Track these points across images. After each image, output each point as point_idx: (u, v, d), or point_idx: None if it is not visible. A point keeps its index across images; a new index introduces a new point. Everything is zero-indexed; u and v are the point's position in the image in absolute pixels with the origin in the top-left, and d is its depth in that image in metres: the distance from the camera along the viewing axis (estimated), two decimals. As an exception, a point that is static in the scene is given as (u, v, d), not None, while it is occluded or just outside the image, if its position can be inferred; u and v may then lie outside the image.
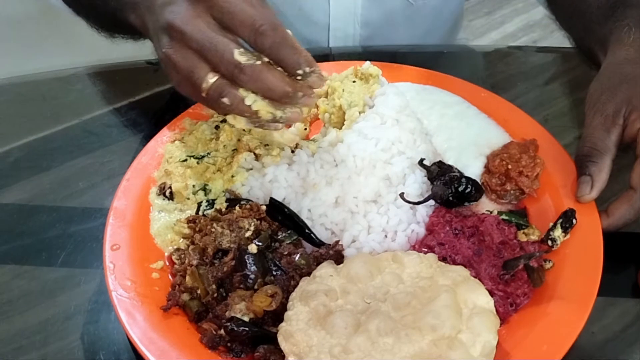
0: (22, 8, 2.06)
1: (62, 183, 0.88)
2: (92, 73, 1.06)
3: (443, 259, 0.71)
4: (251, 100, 0.65)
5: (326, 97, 0.86)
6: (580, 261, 0.69)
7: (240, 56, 0.64)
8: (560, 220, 0.71)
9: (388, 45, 1.11)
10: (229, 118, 0.70)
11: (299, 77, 0.64)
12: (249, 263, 0.67)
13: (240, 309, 0.65)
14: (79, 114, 0.99)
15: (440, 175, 0.77)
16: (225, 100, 0.65)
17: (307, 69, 0.64)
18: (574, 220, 0.71)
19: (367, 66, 0.86)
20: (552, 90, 0.99)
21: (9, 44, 2.08)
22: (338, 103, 0.83)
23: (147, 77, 1.02)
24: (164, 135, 0.85)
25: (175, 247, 0.73)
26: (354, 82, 0.85)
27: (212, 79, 0.66)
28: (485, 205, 0.78)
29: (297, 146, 0.80)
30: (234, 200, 0.76)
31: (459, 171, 0.78)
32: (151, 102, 1.00)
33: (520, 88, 0.98)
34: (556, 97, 0.98)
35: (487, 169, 0.80)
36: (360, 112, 0.82)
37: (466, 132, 0.84)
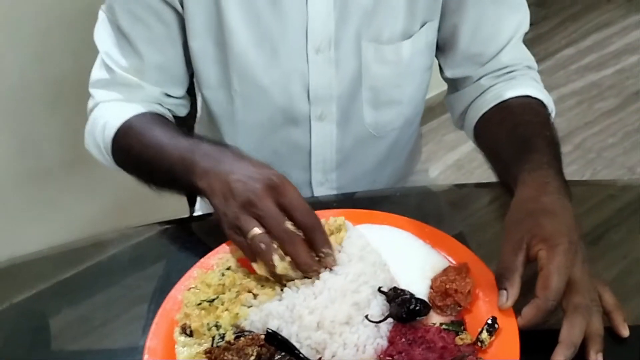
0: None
1: (102, 326, 1.10)
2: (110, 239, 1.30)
3: (401, 364, 0.93)
4: (276, 259, 0.96)
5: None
6: (503, 355, 0.91)
7: (290, 226, 0.96)
8: (486, 326, 0.94)
9: (363, 190, 1.40)
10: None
11: (319, 256, 0.98)
12: (254, 382, 0.89)
13: (249, 420, 0.86)
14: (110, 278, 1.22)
15: (396, 298, 1.00)
16: (262, 245, 0.96)
17: (328, 251, 0.99)
18: (496, 325, 0.94)
19: (333, 221, 1.12)
20: (484, 217, 1.25)
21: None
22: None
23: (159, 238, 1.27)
24: (182, 285, 1.08)
25: (197, 374, 0.95)
26: (326, 233, 1.10)
27: (258, 232, 0.97)
28: (433, 317, 1.00)
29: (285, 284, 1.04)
30: (240, 332, 0.99)
31: (410, 293, 1.01)
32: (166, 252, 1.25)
33: (457, 219, 1.24)
34: (487, 223, 1.23)
35: (432, 289, 1.03)
36: (332, 258, 1.07)
37: (415, 260, 1.08)
